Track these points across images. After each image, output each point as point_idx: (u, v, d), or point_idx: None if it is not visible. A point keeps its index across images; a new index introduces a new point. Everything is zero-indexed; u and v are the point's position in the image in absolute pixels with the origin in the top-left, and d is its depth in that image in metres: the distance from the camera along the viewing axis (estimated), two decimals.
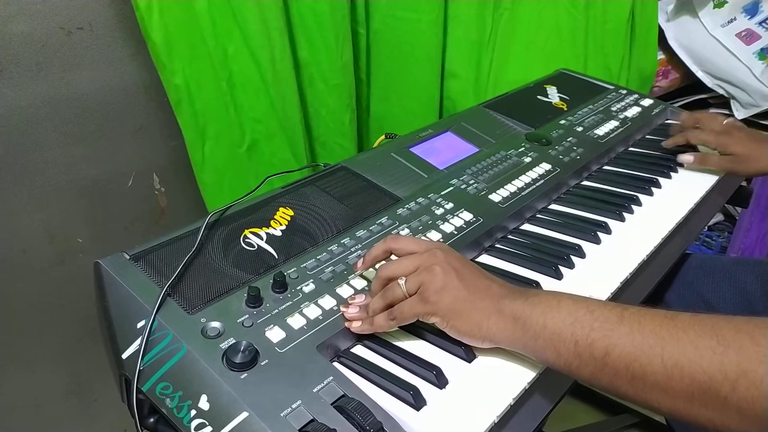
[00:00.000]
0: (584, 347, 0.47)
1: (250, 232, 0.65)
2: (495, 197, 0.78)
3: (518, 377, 0.53)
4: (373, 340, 0.57)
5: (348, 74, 1.14)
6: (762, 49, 1.56)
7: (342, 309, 0.57)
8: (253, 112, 1.03)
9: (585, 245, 0.72)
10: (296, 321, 0.55)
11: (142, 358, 0.51)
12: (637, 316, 0.46)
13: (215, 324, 0.53)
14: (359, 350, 0.57)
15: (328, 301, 0.58)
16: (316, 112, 1.15)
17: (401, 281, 0.54)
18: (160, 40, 0.91)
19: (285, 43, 1.02)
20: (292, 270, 0.61)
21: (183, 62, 0.94)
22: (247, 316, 0.54)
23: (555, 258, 0.69)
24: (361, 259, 0.60)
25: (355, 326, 0.56)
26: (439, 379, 0.52)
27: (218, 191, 1.05)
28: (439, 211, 0.73)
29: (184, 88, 0.95)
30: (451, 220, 0.72)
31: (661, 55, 1.61)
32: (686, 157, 0.93)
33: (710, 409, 0.42)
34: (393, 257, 0.59)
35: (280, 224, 0.67)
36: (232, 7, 0.95)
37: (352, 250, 0.65)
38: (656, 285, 0.71)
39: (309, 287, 0.59)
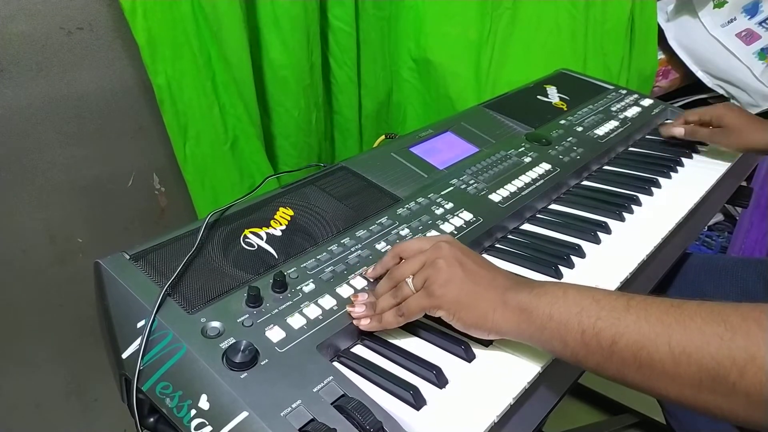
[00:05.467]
0: (591, 336, 0.47)
1: (250, 232, 0.65)
2: (495, 197, 0.78)
3: (518, 377, 0.53)
4: (373, 339, 0.57)
5: (317, 74, 1.16)
6: (762, 49, 1.56)
7: (348, 308, 0.57)
8: (234, 111, 1.05)
9: (585, 245, 0.72)
10: (296, 321, 0.55)
11: (142, 358, 0.51)
12: (643, 305, 0.46)
13: (215, 324, 0.53)
14: (359, 350, 0.57)
15: (328, 301, 0.58)
16: (287, 112, 1.16)
17: (409, 280, 0.54)
18: (144, 42, 0.92)
19: (260, 46, 1.08)
20: (292, 270, 0.61)
21: (165, 63, 0.95)
22: (247, 315, 0.54)
23: (555, 258, 0.69)
24: (372, 267, 0.61)
25: (364, 323, 0.56)
26: (439, 379, 0.52)
27: (200, 189, 1.07)
28: (439, 211, 0.73)
29: (167, 88, 0.97)
30: (451, 220, 0.72)
31: (661, 55, 1.61)
32: (677, 129, 0.97)
33: (718, 395, 0.42)
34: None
35: (280, 224, 0.67)
36: (215, 10, 0.97)
37: (352, 250, 0.65)
38: (656, 285, 0.71)
39: (309, 287, 0.59)
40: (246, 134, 1.07)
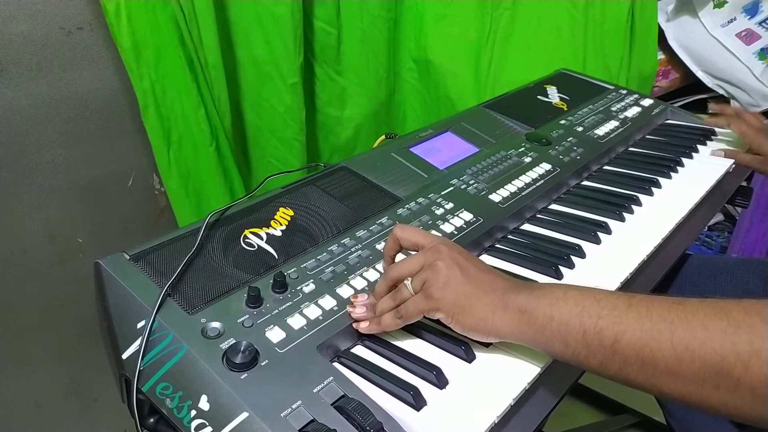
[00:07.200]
0: (593, 336, 0.46)
1: (250, 232, 0.65)
2: (495, 197, 0.78)
3: (518, 377, 0.53)
4: (373, 340, 0.57)
5: (302, 73, 1.17)
6: (762, 49, 1.56)
7: (348, 309, 0.57)
8: (216, 111, 1.05)
9: (585, 245, 0.72)
10: (296, 321, 0.55)
11: (142, 359, 0.51)
12: (645, 303, 0.46)
13: (215, 324, 0.53)
14: (359, 350, 0.57)
15: (328, 301, 0.58)
16: (272, 108, 1.17)
17: (407, 282, 0.54)
18: (128, 45, 0.92)
19: (243, 44, 1.10)
20: (292, 270, 0.61)
21: (149, 67, 0.95)
22: (247, 316, 0.54)
23: (555, 258, 0.69)
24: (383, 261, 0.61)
25: (363, 326, 0.56)
26: (439, 380, 0.52)
27: (183, 195, 1.07)
28: (439, 211, 0.73)
29: (150, 92, 0.97)
30: (451, 220, 0.72)
31: (661, 55, 1.61)
32: (719, 153, 0.98)
33: (723, 391, 0.41)
34: (399, 256, 0.59)
35: (280, 224, 0.67)
36: (193, 11, 0.97)
37: (352, 250, 0.65)
38: (656, 285, 0.71)
39: (309, 287, 0.59)
40: (223, 134, 1.08)
